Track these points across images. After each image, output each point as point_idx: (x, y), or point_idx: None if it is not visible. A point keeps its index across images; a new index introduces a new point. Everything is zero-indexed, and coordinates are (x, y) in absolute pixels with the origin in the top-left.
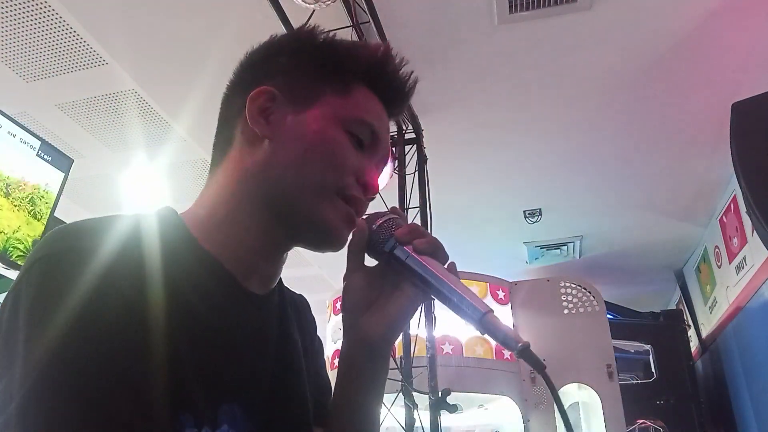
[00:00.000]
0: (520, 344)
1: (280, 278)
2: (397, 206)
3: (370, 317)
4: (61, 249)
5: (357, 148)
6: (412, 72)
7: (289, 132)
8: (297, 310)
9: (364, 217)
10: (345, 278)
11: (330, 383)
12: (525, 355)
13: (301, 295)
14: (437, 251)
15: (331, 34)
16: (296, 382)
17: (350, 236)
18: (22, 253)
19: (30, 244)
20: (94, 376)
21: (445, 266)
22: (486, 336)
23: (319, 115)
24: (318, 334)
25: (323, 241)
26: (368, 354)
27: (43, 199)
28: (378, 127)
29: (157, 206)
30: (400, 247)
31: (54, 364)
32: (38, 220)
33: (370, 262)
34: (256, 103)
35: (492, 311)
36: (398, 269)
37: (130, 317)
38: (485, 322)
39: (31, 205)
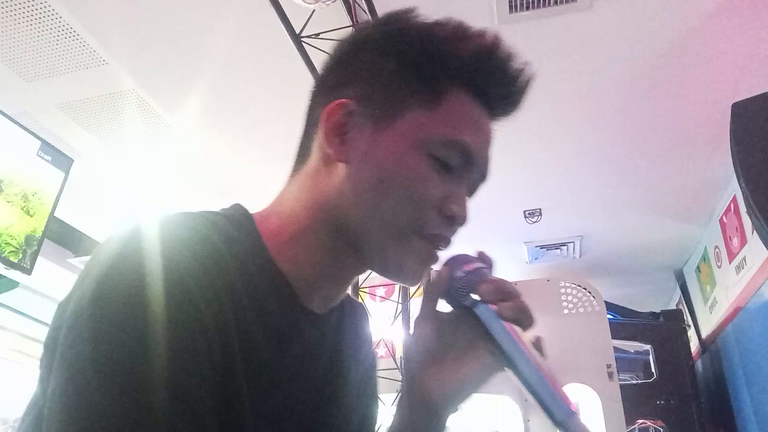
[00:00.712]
0: None
1: None
2: None
3: (435, 374)
4: (128, 266)
5: (443, 173)
6: (525, 65)
7: (366, 156)
8: (355, 324)
9: (448, 258)
10: (415, 321)
11: (376, 407)
12: None
13: (360, 304)
14: (523, 318)
15: (331, 35)
16: (338, 411)
17: (429, 277)
18: (14, 249)
19: (23, 240)
20: (154, 387)
21: (532, 340)
22: None
23: (399, 137)
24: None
25: (396, 279)
26: (425, 415)
27: (35, 195)
28: (472, 144)
29: (157, 207)
30: (483, 306)
31: (121, 383)
32: (31, 216)
33: (443, 306)
34: (332, 119)
35: (578, 412)
36: (475, 327)
37: (202, 340)
38: (570, 425)
39: (24, 201)
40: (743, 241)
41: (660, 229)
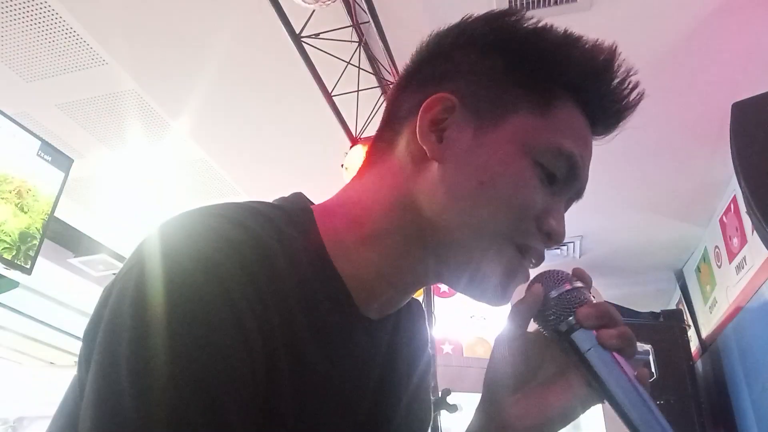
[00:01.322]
0: None
1: None
2: None
3: (520, 403)
4: (172, 267)
5: (546, 184)
6: (637, 84)
7: (466, 157)
8: (411, 325)
9: (540, 273)
10: (498, 341)
11: (429, 410)
12: None
13: (416, 300)
14: (628, 347)
15: (331, 35)
16: (390, 420)
17: (520, 296)
18: (8, 246)
19: (17, 236)
20: (193, 398)
21: (635, 372)
22: (486, 338)
23: (505, 140)
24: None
25: (480, 294)
26: None
27: (30, 192)
28: (579, 156)
29: (157, 207)
30: (582, 332)
31: (158, 375)
32: (25, 213)
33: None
34: (430, 114)
35: None
36: (568, 352)
37: (239, 343)
38: None
39: (18, 198)
40: (743, 241)
41: (660, 229)
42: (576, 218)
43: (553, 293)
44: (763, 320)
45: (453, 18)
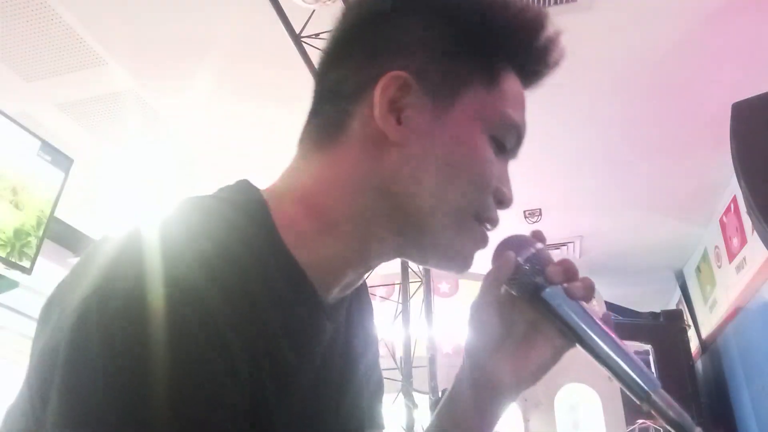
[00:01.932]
0: (697, 428)
1: None
2: None
3: (502, 362)
4: (136, 277)
5: (498, 154)
6: (560, 41)
7: (428, 137)
8: (360, 304)
9: (505, 240)
10: (474, 308)
11: (383, 384)
12: None
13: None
14: (589, 294)
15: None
16: (353, 403)
17: (492, 266)
18: (2, 243)
19: (12, 234)
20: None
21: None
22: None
23: (463, 117)
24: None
25: (449, 267)
26: (495, 401)
27: (25, 190)
28: (522, 124)
29: (157, 207)
30: (550, 288)
31: (141, 386)
32: (20, 210)
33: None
34: (387, 95)
35: (660, 386)
36: (541, 310)
37: (221, 361)
38: (657, 397)
39: (13, 195)
40: (743, 241)
41: (660, 229)
42: (576, 218)
43: (521, 258)
44: (763, 320)
45: None
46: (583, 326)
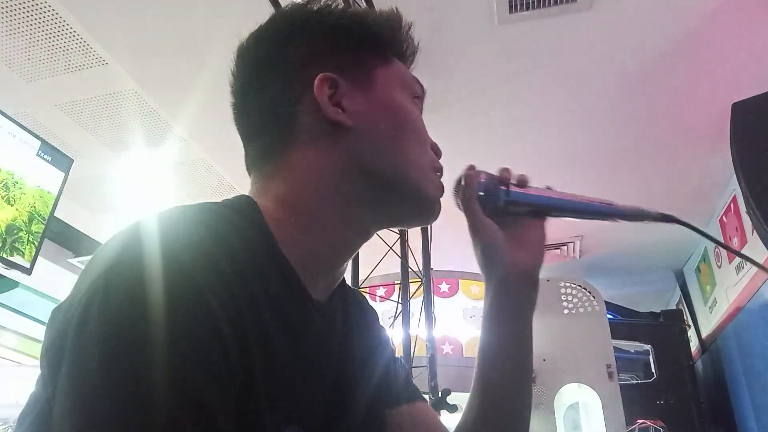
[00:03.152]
0: (657, 212)
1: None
2: None
3: (516, 253)
4: (137, 261)
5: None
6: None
7: (369, 114)
8: (357, 304)
9: (460, 177)
10: (474, 230)
11: (404, 367)
12: (668, 218)
13: (355, 289)
14: (530, 182)
15: None
16: (359, 395)
17: (462, 192)
18: None
19: (3, 229)
20: (166, 387)
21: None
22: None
23: (390, 88)
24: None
25: (424, 217)
26: (527, 283)
27: (17, 185)
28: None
29: (158, 207)
30: (513, 189)
31: (126, 377)
32: (11, 206)
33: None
34: (323, 94)
35: (612, 202)
36: (515, 209)
37: (213, 338)
38: (617, 211)
39: (5, 191)
40: (743, 241)
41: (660, 229)
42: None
43: (479, 177)
44: (763, 320)
45: (451, 18)
46: (547, 200)
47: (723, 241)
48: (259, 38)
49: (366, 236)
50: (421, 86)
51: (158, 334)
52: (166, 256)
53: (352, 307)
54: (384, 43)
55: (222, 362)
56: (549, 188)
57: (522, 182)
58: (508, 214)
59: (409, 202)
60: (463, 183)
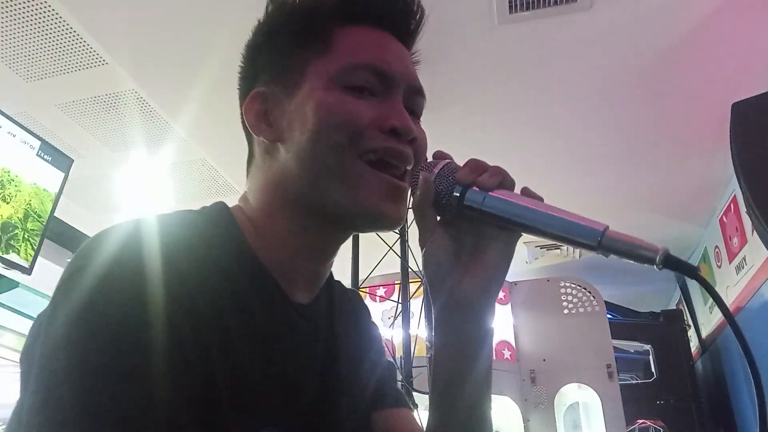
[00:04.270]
0: (660, 253)
1: (330, 273)
2: None
3: (462, 277)
4: (103, 261)
5: (367, 97)
6: None
7: (292, 123)
8: (349, 307)
9: (413, 170)
10: (421, 241)
11: (392, 368)
12: (671, 264)
13: (351, 289)
14: (505, 180)
15: None
16: (344, 399)
17: (414, 196)
18: None
19: None
20: (118, 401)
21: (521, 193)
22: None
23: (310, 90)
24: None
25: (377, 222)
26: (473, 318)
27: (12, 183)
28: (377, 61)
29: (158, 207)
30: (469, 192)
31: (82, 387)
32: (7, 203)
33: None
34: (251, 112)
35: (608, 226)
36: (475, 216)
37: (168, 339)
38: (607, 241)
39: (1, 189)
40: (743, 241)
41: (660, 229)
42: None
43: (432, 176)
44: (763, 320)
45: (451, 18)
46: (511, 211)
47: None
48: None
49: (331, 242)
50: (377, 67)
51: (114, 343)
52: (125, 264)
53: (342, 306)
54: (318, 20)
55: (182, 371)
56: (527, 193)
57: (483, 184)
58: (470, 221)
59: (346, 217)
60: (415, 183)
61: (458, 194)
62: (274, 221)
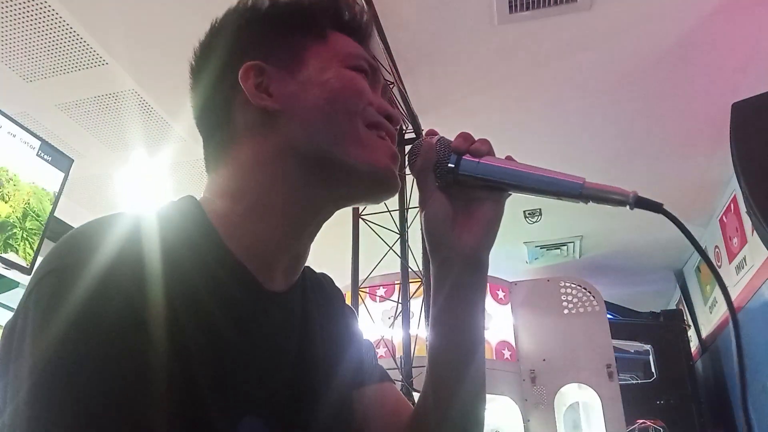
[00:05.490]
0: (631, 196)
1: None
2: (397, 205)
3: (461, 232)
4: (71, 261)
5: (365, 79)
6: (356, 4)
7: (299, 94)
8: (319, 288)
9: (414, 145)
10: (422, 203)
11: (370, 347)
12: (640, 203)
13: (323, 273)
14: (491, 149)
15: None
16: (322, 384)
17: (416, 162)
18: None
19: None
20: (92, 396)
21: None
22: (487, 339)
23: (319, 65)
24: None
25: (378, 191)
26: (471, 267)
27: (11, 182)
28: (366, 55)
29: (157, 205)
30: (463, 161)
31: (51, 379)
32: (6, 203)
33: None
34: (248, 83)
35: (585, 179)
36: (468, 182)
37: (141, 332)
38: (587, 191)
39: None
40: (743, 241)
41: (660, 229)
42: (576, 218)
43: (433, 143)
44: (763, 320)
45: (451, 18)
46: (503, 172)
47: (700, 246)
48: (200, 42)
49: (322, 215)
50: (368, 60)
51: (83, 344)
52: (91, 263)
53: (315, 291)
54: (318, 21)
55: (150, 355)
56: (510, 159)
57: (476, 151)
58: (462, 187)
59: (354, 177)
60: (418, 151)
61: (453, 164)
62: (266, 200)
